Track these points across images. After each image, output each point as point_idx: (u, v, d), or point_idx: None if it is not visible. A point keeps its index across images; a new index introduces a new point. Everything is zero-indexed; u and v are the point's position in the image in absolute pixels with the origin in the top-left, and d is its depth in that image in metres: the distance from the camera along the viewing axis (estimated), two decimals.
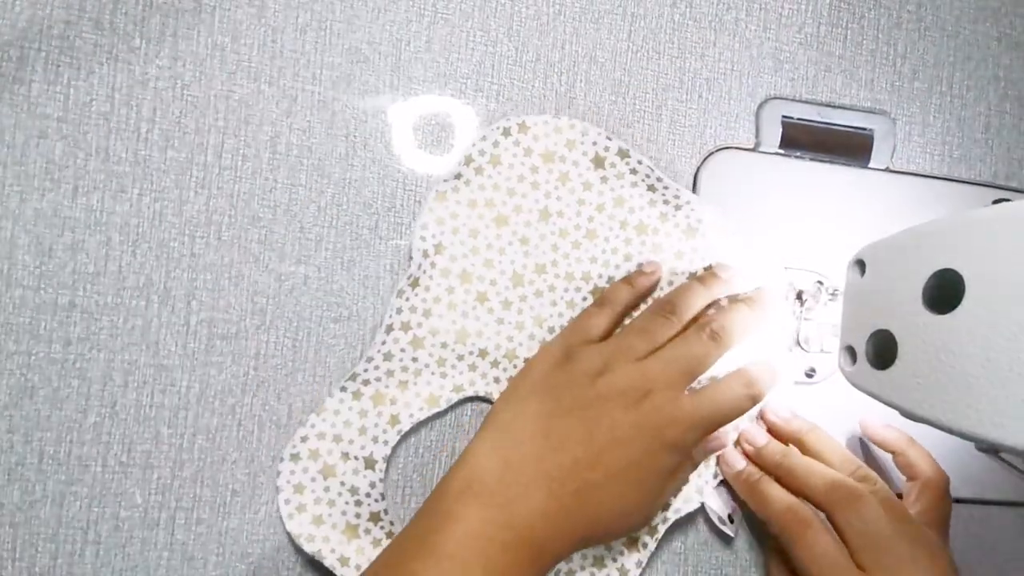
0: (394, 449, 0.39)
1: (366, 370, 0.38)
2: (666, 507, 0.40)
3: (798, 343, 0.42)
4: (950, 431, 0.28)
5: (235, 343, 0.38)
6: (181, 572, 0.38)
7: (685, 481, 0.40)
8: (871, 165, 0.43)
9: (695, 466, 0.40)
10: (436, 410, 0.39)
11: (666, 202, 0.41)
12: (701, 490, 0.40)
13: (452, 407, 0.39)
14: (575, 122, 0.40)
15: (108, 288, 0.37)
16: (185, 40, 0.38)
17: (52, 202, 0.37)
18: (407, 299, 0.39)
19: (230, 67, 0.39)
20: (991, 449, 0.35)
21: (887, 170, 0.44)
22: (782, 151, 0.43)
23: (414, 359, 0.39)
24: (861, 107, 0.44)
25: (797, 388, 0.42)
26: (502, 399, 0.38)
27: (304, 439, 0.38)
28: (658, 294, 0.41)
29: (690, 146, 0.43)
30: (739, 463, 0.40)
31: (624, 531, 0.36)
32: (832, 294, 0.41)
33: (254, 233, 0.39)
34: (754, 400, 0.37)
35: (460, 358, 0.39)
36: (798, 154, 0.43)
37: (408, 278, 0.39)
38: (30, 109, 0.37)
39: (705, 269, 0.41)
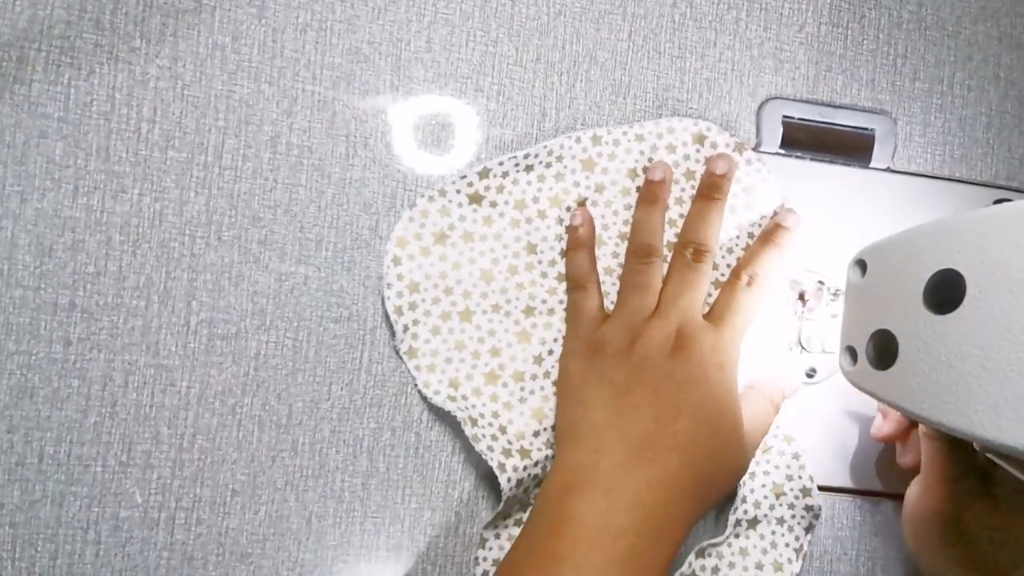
0: None
1: (507, 501, 0.38)
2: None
3: (800, 343, 0.42)
4: (950, 431, 0.28)
5: (235, 343, 0.38)
6: (181, 572, 0.38)
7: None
8: (872, 165, 0.43)
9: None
10: None
11: (548, 165, 0.40)
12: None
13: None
14: (430, 194, 0.40)
15: (108, 288, 0.37)
16: (185, 40, 0.38)
17: (52, 202, 0.37)
18: (486, 440, 0.38)
19: (230, 67, 0.39)
20: (992, 450, 0.35)
21: (888, 170, 0.44)
22: (783, 151, 0.43)
23: (534, 465, 0.39)
24: (862, 107, 0.44)
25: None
26: (561, 408, 0.38)
27: (486, 574, 0.38)
28: (614, 220, 0.40)
29: None
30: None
31: (734, 466, 0.37)
32: (834, 294, 0.41)
33: (254, 233, 0.39)
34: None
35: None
36: (799, 154, 0.43)
37: (464, 422, 0.39)
38: (30, 109, 0.37)
39: (640, 187, 0.40)
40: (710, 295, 0.40)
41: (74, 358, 0.37)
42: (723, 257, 0.41)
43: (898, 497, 0.42)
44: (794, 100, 0.43)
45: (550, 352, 0.40)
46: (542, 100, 0.41)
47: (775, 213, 0.41)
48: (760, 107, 0.43)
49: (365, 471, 0.39)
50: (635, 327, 0.37)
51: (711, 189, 0.39)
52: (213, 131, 0.38)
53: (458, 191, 0.40)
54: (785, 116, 0.43)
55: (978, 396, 0.27)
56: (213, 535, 0.38)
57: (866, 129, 0.43)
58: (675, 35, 0.43)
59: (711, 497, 0.36)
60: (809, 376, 0.42)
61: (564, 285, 0.40)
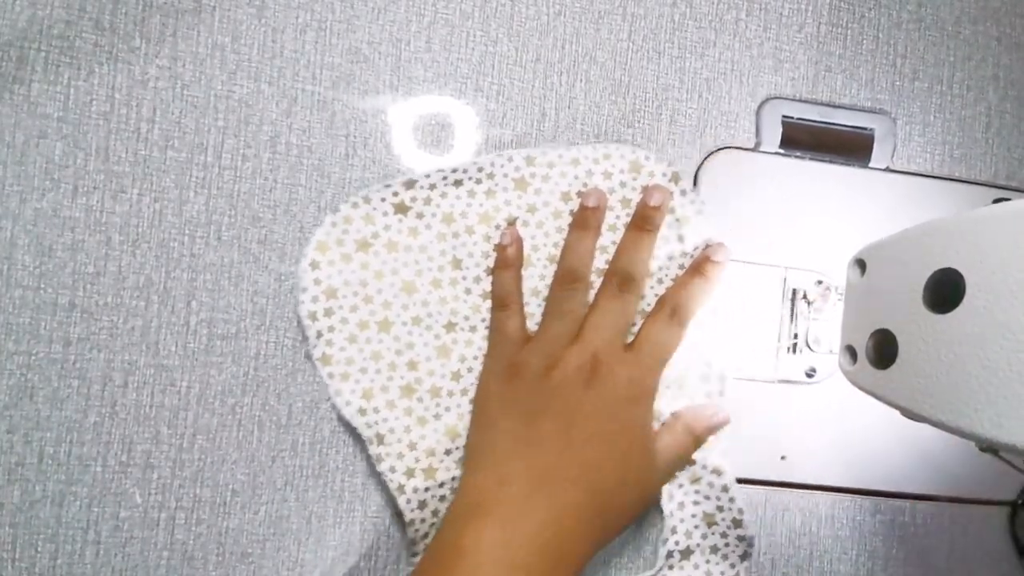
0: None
1: (413, 524, 0.38)
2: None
3: (807, 344, 0.42)
4: (950, 431, 0.28)
5: (235, 343, 0.38)
6: (181, 572, 0.38)
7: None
8: (871, 165, 0.43)
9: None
10: None
11: (479, 182, 0.40)
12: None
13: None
14: (354, 200, 0.39)
15: (108, 288, 0.37)
16: (185, 40, 0.38)
17: (52, 202, 0.37)
18: (389, 459, 0.38)
19: (230, 67, 0.39)
20: (991, 449, 0.35)
21: (887, 170, 0.44)
22: (782, 151, 0.43)
23: (439, 486, 0.39)
24: (861, 107, 0.44)
25: (798, 388, 0.42)
26: (473, 429, 0.38)
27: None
28: (544, 242, 0.40)
29: (690, 146, 0.43)
30: None
31: (641, 496, 0.37)
32: (840, 294, 0.41)
33: (254, 233, 0.39)
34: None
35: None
36: (798, 154, 0.43)
37: (369, 440, 0.38)
38: (30, 109, 0.37)
39: (574, 212, 0.40)
40: (635, 324, 0.40)
41: (74, 358, 0.37)
42: (652, 288, 0.40)
43: (898, 497, 0.43)
44: (793, 100, 0.43)
45: (469, 370, 0.39)
46: (542, 100, 0.41)
47: (707, 246, 0.40)
48: (760, 107, 0.43)
49: (365, 471, 0.39)
50: (554, 353, 0.37)
51: (644, 220, 0.39)
52: (213, 131, 0.38)
53: (383, 199, 0.39)
54: (785, 116, 0.43)
55: (978, 396, 0.27)
56: (213, 535, 0.38)
57: (865, 129, 0.43)
58: (675, 35, 0.43)
59: (615, 526, 0.36)
60: (809, 376, 0.42)
61: (488, 303, 0.40)
